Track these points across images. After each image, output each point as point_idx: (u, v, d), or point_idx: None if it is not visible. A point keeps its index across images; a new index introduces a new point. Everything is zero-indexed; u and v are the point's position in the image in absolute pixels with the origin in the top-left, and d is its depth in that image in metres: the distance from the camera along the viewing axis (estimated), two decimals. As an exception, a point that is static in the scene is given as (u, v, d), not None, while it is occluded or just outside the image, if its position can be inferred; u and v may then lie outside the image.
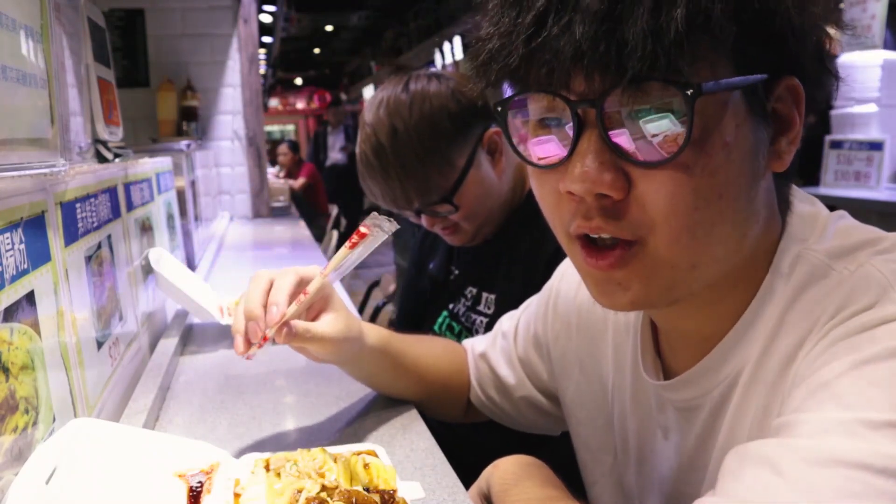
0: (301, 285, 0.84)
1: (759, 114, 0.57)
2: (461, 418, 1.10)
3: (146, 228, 1.38)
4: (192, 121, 3.34)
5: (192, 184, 2.20)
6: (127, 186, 1.24)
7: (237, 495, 0.74)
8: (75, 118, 1.44)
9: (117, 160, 1.39)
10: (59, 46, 0.95)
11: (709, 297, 0.64)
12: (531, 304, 1.01)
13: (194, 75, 3.41)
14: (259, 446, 0.92)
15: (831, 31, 0.61)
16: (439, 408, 1.07)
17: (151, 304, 1.34)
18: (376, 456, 0.83)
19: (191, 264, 1.98)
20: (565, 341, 0.91)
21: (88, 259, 0.93)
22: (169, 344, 1.29)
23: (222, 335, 1.44)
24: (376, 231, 0.78)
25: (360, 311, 3.34)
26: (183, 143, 2.35)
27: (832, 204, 0.68)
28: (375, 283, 3.59)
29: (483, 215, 1.31)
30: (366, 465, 0.78)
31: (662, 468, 0.75)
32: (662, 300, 0.65)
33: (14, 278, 0.66)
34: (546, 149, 0.60)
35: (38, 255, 0.73)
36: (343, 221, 5.62)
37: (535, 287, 1.03)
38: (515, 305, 1.05)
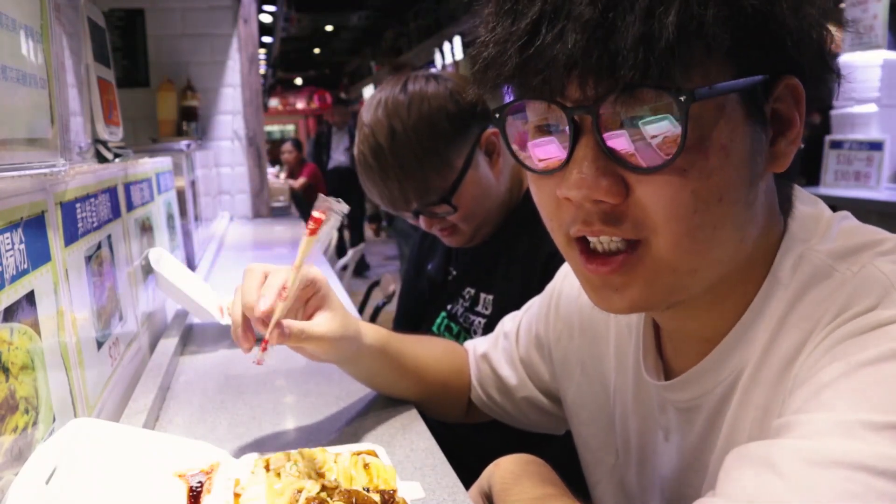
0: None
1: (756, 115, 0.57)
2: (461, 418, 1.10)
3: (146, 228, 1.38)
4: (192, 121, 3.35)
5: (192, 184, 2.20)
6: (127, 186, 1.24)
7: (237, 495, 0.74)
8: (75, 118, 1.44)
9: (117, 160, 1.39)
10: (59, 46, 0.95)
11: (710, 298, 0.64)
12: (533, 304, 1.01)
13: (194, 75, 3.41)
14: (259, 446, 0.92)
15: (833, 28, 0.60)
16: (439, 408, 1.07)
17: (151, 304, 1.34)
18: (376, 456, 0.83)
19: (191, 264, 1.98)
20: (567, 342, 0.91)
21: (88, 259, 0.93)
22: (169, 344, 1.29)
23: (222, 335, 1.44)
24: (330, 214, 0.78)
25: (361, 311, 3.34)
26: (183, 143, 2.35)
27: (832, 204, 0.68)
28: (375, 283, 3.59)
29: (481, 216, 1.31)
30: (366, 465, 0.78)
31: (663, 468, 0.75)
32: (661, 304, 0.65)
33: (14, 278, 0.66)
34: (546, 151, 0.60)
35: (38, 255, 0.73)
36: (344, 222, 5.60)
37: (533, 288, 1.03)
38: (514, 306, 1.06)
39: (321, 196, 0.79)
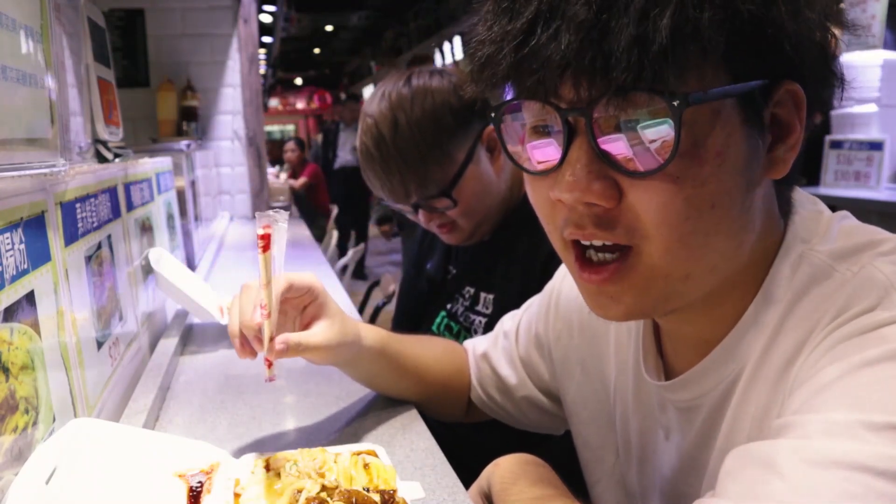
0: (291, 290, 0.85)
1: (754, 121, 0.56)
2: (461, 418, 1.10)
3: (146, 228, 1.38)
4: (192, 121, 3.35)
5: (192, 184, 2.20)
6: (127, 186, 1.24)
7: (237, 495, 0.74)
8: (75, 118, 1.44)
9: (117, 160, 1.39)
10: (59, 46, 0.95)
11: (708, 301, 0.64)
12: (533, 303, 1.01)
13: (194, 75, 3.41)
14: (259, 446, 0.92)
15: (835, 31, 0.60)
16: (439, 408, 1.07)
17: (151, 304, 1.34)
18: (376, 456, 0.83)
19: (191, 264, 1.98)
20: (567, 341, 0.91)
21: (88, 259, 0.93)
22: (169, 344, 1.29)
23: (222, 335, 1.44)
24: (275, 224, 0.78)
25: (360, 311, 3.34)
26: (183, 143, 2.35)
27: (832, 204, 0.68)
28: (375, 283, 3.59)
29: (481, 213, 1.31)
30: (366, 465, 0.78)
31: (663, 468, 0.75)
32: (657, 310, 0.65)
33: (14, 278, 0.66)
34: (544, 153, 0.60)
35: (38, 255, 0.73)
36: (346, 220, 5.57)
37: (533, 287, 1.03)
38: (514, 305, 1.05)
39: (257, 214, 0.77)
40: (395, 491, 0.74)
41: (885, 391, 0.49)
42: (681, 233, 0.57)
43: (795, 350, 0.58)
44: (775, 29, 0.53)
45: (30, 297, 0.69)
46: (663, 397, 0.74)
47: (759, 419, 0.61)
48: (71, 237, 0.86)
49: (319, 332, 0.86)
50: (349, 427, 0.98)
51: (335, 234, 4.70)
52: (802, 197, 0.68)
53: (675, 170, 0.54)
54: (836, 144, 3.35)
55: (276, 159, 8.70)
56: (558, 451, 0.94)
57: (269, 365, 0.82)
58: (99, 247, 0.99)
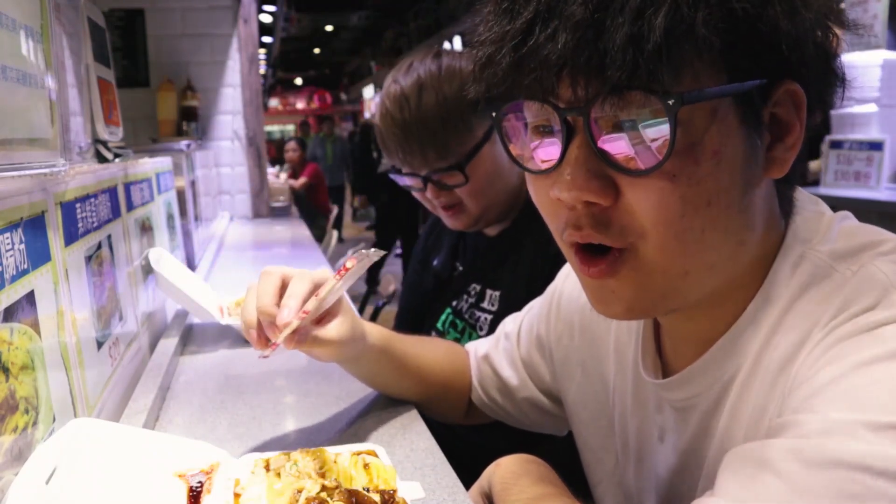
0: (314, 292, 0.84)
1: (752, 121, 0.56)
2: (461, 420, 1.10)
3: (146, 228, 1.38)
4: (192, 121, 3.35)
5: (192, 184, 2.20)
6: (127, 186, 1.24)
7: (237, 495, 0.74)
8: (75, 118, 1.44)
9: (117, 160, 1.39)
10: (59, 46, 0.95)
11: (710, 300, 0.64)
12: (534, 305, 1.01)
13: (194, 75, 3.41)
14: (259, 446, 0.92)
15: (837, 30, 0.60)
16: (440, 409, 1.07)
17: (151, 304, 1.34)
18: (376, 456, 0.83)
19: (191, 264, 1.98)
20: (568, 342, 0.91)
21: (88, 259, 0.93)
22: (169, 344, 1.29)
23: (222, 335, 1.44)
24: (363, 261, 0.82)
25: (360, 311, 3.34)
26: (183, 143, 2.35)
27: (832, 204, 0.68)
28: (375, 284, 3.59)
29: (489, 197, 1.29)
30: (366, 465, 0.78)
31: (660, 468, 0.75)
32: (657, 308, 0.65)
33: (14, 278, 0.66)
34: (547, 152, 0.60)
35: (38, 255, 0.73)
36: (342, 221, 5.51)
37: (540, 285, 1.03)
38: (520, 303, 1.05)
39: (359, 250, 0.82)
40: (395, 491, 0.74)
41: (885, 391, 0.49)
42: (676, 230, 0.57)
43: (794, 349, 0.58)
44: (771, 28, 0.53)
45: (30, 297, 0.69)
46: (660, 396, 0.74)
47: (757, 418, 0.60)
48: (71, 237, 0.86)
49: (333, 328, 0.86)
50: (349, 427, 0.98)
51: (335, 234, 4.69)
52: (804, 197, 0.67)
53: (672, 168, 0.54)
54: (836, 144, 3.35)
55: (275, 159, 8.71)
56: (560, 452, 0.94)
57: (274, 348, 0.81)
58: (99, 247, 0.99)
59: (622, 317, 0.65)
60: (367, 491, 0.73)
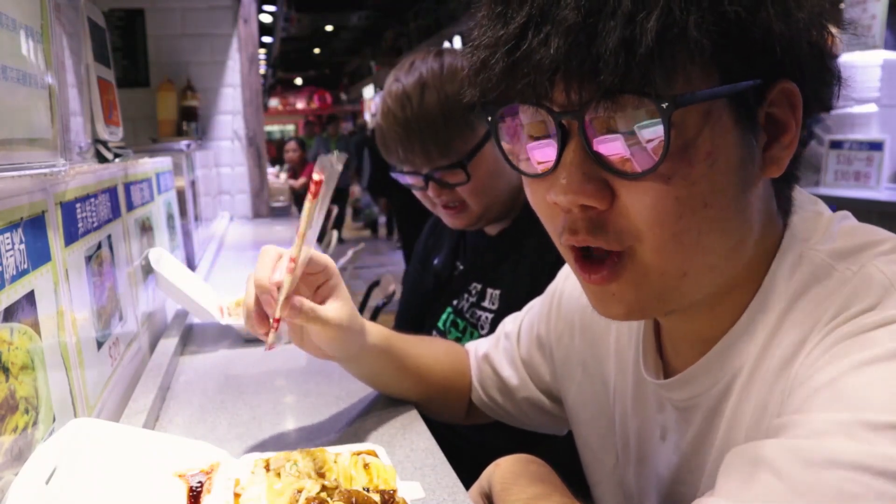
0: (311, 263, 0.84)
1: (746, 121, 0.56)
2: (461, 420, 1.10)
3: (146, 228, 1.38)
4: (192, 121, 3.35)
5: (192, 184, 2.20)
6: (127, 186, 1.24)
7: (237, 495, 0.74)
8: (75, 118, 1.44)
9: (117, 160, 1.39)
10: (59, 46, 0.95)
11: (710, 300, 0.64)
12: (534, 305, 1.01)
13: (194, 75, 3.42)
14: (259, 446, 0.92)
15: (833, 29, 0.60)
16: (440, 409, 1.07)
17: (151, 304, 1.34)
18: (376, 456, 0.83)
19: (191, 264, 1.98)
20: (568, 341, 0.91)
21: (88, 259, 0.93)
22: (169, 344, 1.29)
23: (222, 335, 1.44)
24: (329, 169, 0.77)
25: (361, 310, 3.33)
26: (183, 143, 2.36)
27: (832, 204, 0.68)
28: (375, 283, 3.59)
29: (490, 196, 1.29)
30: (366, 465, 0.78)
31: (661, 469, 0.75)
32: (657, 309, 0.65)
33: (14, 278, 0.66)
34: (543, 153, 0.60)
35: (38, 255, 0.73)
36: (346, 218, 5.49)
37: (541, 285, 1.03)
38: (521, 302, 1.05)
39: (321, 156, 0.78)
40: (395, 491, 0.74)
41: (885, 391, 0.49)
42: (673, 231, 0.57)
43: (795, 349, 0.58)
44: (764, 31, 0.53)
45: (30, 297, 0.69)
46: (661, 396, 0.74)
47: (758, 418, 0.61)
48: (71, 237, 0.86)
49: (332, 309, 0.86)
50: (349, 427, 0.98)
51: (335, 234, 4.69)
52: (803, 197, 0.68)
53: (667, 170, 0.54)
54: (836, 144, 3.35)
55: (275, 159, 8.73)
56: (560, 452, 0.94)
57: (276, 328, 0.81)
58: (99, 247, 0.99)
59: (622, 318, 0.65)
60: (367, 491, 0.73)
